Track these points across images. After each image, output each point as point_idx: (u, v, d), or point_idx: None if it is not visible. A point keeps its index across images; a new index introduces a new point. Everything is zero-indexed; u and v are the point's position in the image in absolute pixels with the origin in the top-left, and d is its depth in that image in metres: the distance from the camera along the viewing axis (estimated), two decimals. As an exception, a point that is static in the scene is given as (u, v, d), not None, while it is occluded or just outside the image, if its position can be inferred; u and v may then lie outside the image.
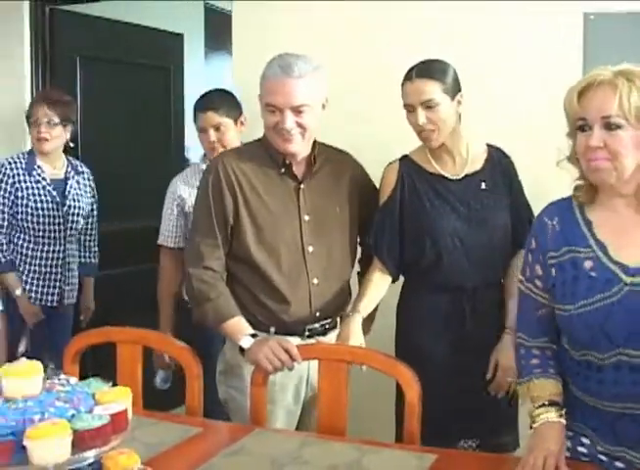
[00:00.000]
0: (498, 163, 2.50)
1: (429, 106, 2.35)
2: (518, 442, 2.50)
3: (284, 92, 2.29)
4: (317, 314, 2.40)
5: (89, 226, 3.72)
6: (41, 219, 3.46)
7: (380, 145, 2.90)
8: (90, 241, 3.76)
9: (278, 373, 2.26)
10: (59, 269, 3.53)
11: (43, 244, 3.50)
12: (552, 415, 1.79)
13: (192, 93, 4.85)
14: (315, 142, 2.45)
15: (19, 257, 3.50)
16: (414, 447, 2.01)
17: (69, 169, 3.60)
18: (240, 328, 2.29)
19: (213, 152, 3.06)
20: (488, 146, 2.53)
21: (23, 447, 1.17)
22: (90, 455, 1.22)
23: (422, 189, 2.48)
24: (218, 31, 5.11)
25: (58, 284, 3.54)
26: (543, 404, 1.81)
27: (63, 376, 1.41)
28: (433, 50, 2.70)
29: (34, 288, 3.49)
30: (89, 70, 4.14)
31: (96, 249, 3.78)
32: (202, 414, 2.27)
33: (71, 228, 3.55)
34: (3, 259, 3.44)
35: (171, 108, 4.63)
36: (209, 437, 2.11)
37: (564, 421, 1.80)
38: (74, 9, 4.09)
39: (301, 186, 2.41)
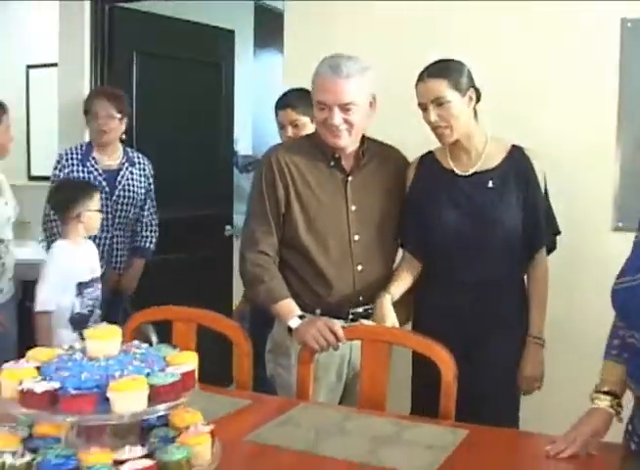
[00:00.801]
0: (515, 163, 2.54)
1: (439, 103, 2.44)
2: None
3: (332, 90, 2.45)
4: (361, 299, 2.55)
5: (144, 213, 3.85)
6: None
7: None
8: (143, 227, 3.88)
9: (322, 353, 2.41)
10: (104, 255, 3.66)
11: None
12: (603, 403, 1.89)
13: (241, 88, 5.07)
14: (364, 137, 2.59)
15: None
16: (448, 423, 2.15)
17: (124, 161, 3.77)
18: (289, 309, 2.45)
19: None
20: (513, 146, 2.57)
21: (106, 399, 1.35)
22: (161, 408, 1.38)
23: (433, 184, 2.58)
24: (268, 29, 5.28)
25: (115, 268, 3.73)
26: (600, 391, 1.91)
27: (136, 342, 1.58)
28: (471, 52, 2.82)
29: None
30: (145, 65, 4.32)
31: (148, 234, 3.90)
32: (251, 389, 2.44)
33: (120, 217, 3.72)
34: None
35: (222, 102, 4.79)
36: (258, 408, 2.27)
37: (613, 411, 1.89)
38: (132, 6, 4.27)
39: (349, 179, 2.56)
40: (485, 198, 2.52)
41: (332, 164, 2.56)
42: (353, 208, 2.55)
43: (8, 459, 1.36)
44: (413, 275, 2.64)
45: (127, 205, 3.74)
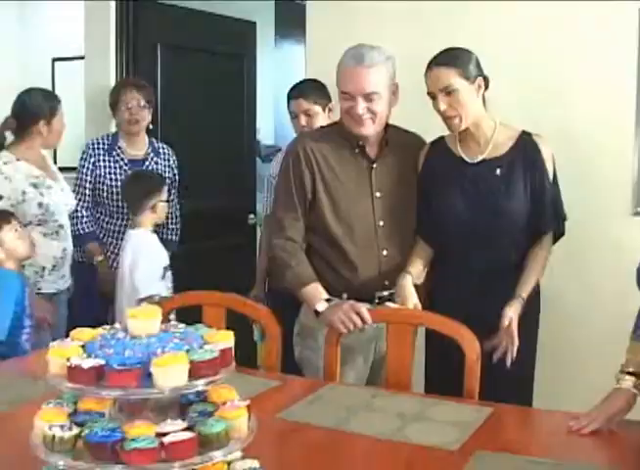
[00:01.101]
0: (523, 150, 2.56)
1: (448, 92, 2.48)
2: None
3: (356, 80, 2.51)
4: (386, 283, 2.62)
5: (173, 204, 3.87)
6: (116, 196, 3.71)
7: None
8: (172, 219, 3.90)
9: (350, 336, 2.48)
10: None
11: (118, 218, 3.75)
12: (626, 383, 1.94)
13: (262, 79, 5.13)
14: (387, 125, 2.65)
15: (101, 230, 3.78)
16: (471, 401, 2.21)
17: (150, 151, 3.84)
18: (316, 293, 2.52)
19: None
20: (522, 133, 2.59)
21: (149, 375, 1.42)
22: (201, 383, 1.45)
23: (440, 170, 2.63)
24: (288, 20, 5.34)
25: None
26: (625, 371, 1.95)
27: (174, 322, 1.66)
28: (488, 40, 2.89)
29: (112, 256, 3.74)
30: (168, 56, 4.39)
31: (175, 226, 3.95)
32: (279, 371, 2.51)
33: None
34: (85, 230, 3.73)
35: (244, 92, 4.86)
36: (288, 389, 2.34)
37: (636, 391, 1.93)
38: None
39: (374, 166, 2.62)
40: (493, 185, 2.55)
41: (356, 151, 2.62)
42: (378, 194, 2.61)
43: (57, 432, 1.43)
44: (427, 259, 2.67)
45: None
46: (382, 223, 2.61)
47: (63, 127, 3.46)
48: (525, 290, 2.50)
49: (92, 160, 3.76)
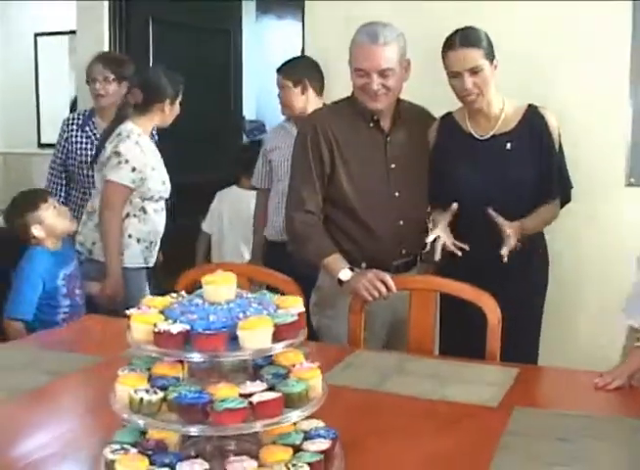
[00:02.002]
0: (530, 123, 2.67)
1: (474, 71, 2.57)
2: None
3: (371, 58, 2.59)
4: (403, 252, 2.72)
5: None
6: (86, 171, 3.72)
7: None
8: None
9: (370, 303, 2.57)
10: None
11: (86, 193, 3.74)
12: None
13: (246, 54, 5.16)
14: (399, 99, 2.73)
15: (74, 206, 3.78)
16: (495, 363, 2.33)
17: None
18: (339, 263, 2.60)
19: (285, 109, 3.58)
20: (528, 106, 2.70)
21: (234, 338, 1.49)
22: (281, 346, 1.53)
23: (452, 147, 2.73)
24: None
25: None
26: None
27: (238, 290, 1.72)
28: (486, 13, 2.97)
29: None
30: (160, 32, 4.42)
31: None
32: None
33: None
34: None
35: (231, 68, 4.90)
36: (317, 357, 2.40)
37: None
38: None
39: (388, 138, 2.71)
40: (504, 160, 2.66)
41: (371, 125, 2.70)
42: (393, 165, 2.70)
43: (145, 396, 1.49)
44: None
45: None
46: (397, 194, 2.70)
47: (178, 110, 3.52)
48: (524, 224, 2.58)
49: (65, 136, 3.78)
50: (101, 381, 2.10)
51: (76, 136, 3.77)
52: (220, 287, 1.57)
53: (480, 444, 1.75)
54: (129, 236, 3.36)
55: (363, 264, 2.67)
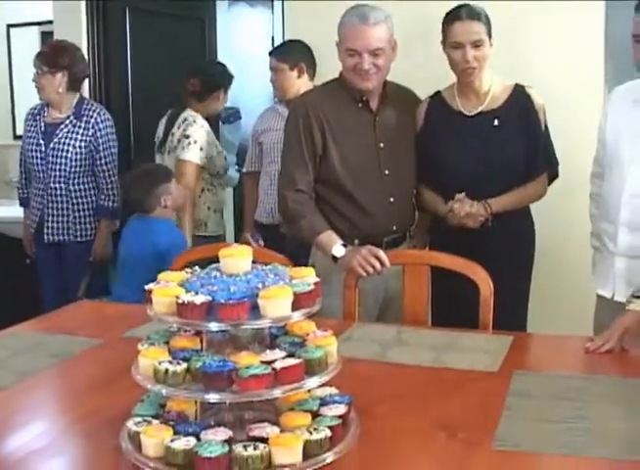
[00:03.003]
0: (517, 101, 2.77)
1: (477, 45, 2.67)
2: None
3: (362, 37, 2.66)
4: (393, 228, 2.80)
5: (102, 169, 3.80)
6: (30, 160, 3.79)
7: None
8: (104, 184, 3.82)
9: (364, 278, 2.63)
10: (43, 207, 3.78)
11: (36, 182, 3.81)
12: (634, 306, 2.14)
13: (220, 42, 5.18)
14: (385, 80, 2.79)
15: (31, 195, 3.90)
16: (488, 332, 2.42)
17: (71, 114, 3.75)
18: (332, 239, 2.67)
19: (279, 92, 3.68)
20: (515, 85, 2.80)
21: (255, 307, 1.54)
22: (298, 314, 1.58)
23: (441, 124, 2.82)
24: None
25: (45, 221, 3.79)
26: (635, 296, 2.16)
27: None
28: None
29: (38, 220, 3.84)
30: (137, 21, 4.43)
31: (108, 192, 3.82)
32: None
33: (55, 169, 3.73)
34: (22, 196, 3.99)
35: (206, 55, 4.91)
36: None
37: None
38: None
39: (376, 118, 2.77)
40: (492, 136, 2.75)
41: (360, 105, 2.76)
42: (381, 144, 2.77)
43: (170, 367, 1.53)
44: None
45: (61, 157, 3.73)
46: (387, 172, 2.77)
47: (228, 99, 4.02)
48: (495, 202, 2.71)
49: (24, 126, 3.90)
50: (106, 361, 2.17)
51: (28, 127, 3.84)
52: (238, 259, 1.61)
53: (485, 405, 1.82)
54: (208, 208, 3.85)
55: (356, 241, 2.73)
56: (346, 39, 2.69)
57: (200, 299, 1.52)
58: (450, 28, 2.70)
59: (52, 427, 1.78)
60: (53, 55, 3.72)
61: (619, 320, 2.19)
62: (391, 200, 2.77)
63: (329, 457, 1.50)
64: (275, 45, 4.09)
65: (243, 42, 5.14)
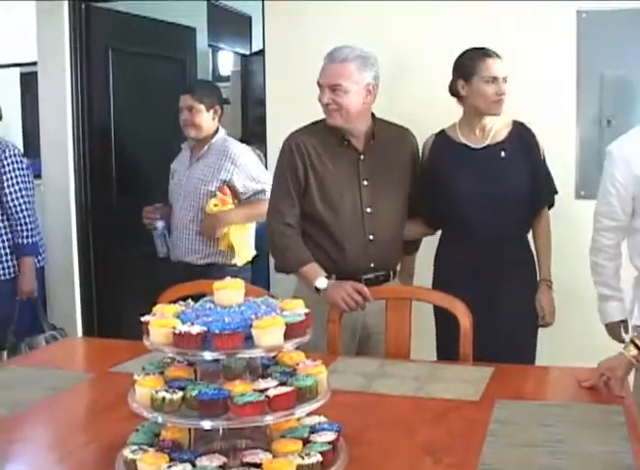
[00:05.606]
0: (520, 135, 2.92)
1: (505, 79, 2.84)
2: None
3: (325, 73, 2.79)
4: (372, 266, 2.85)
5: (12, 205, 3.75)
6: None
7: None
8: (18, 220, 3.78)
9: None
10: None
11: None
12: (628, 353, 2.16)
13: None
14: (375, 119, 2.89)
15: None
16: (470, 363, 2.48)
17: None
18: (315, 271, 2.75)
19: (186, 129, 3.63)
20: (514, 122, 2.95)
21: (249, 337, 1.59)
22: (290, 343, 1.64)
23: (448, 158, 2.93)
24: (221, 26, 5.51)
25: None
26: (633, 342, 2.18)
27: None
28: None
29: None
30: (119, 60, 4.51)
31: (29, 227, 3.79)
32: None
33: None
34: None
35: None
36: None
37: (635, 362, 2.13)
38: (106, 6, 4.46)
39: (361, 157, 2.85)
40: (500, 167, 2.89)
41: (345, 144, 2.84)
42: (365, 182, 2.84)
43: (166, 395, 1.58)
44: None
45: None
46: (369, 210, 2.84)
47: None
48: (546, 273, 2.93)
49: None
50: (99, 393, 2.20)
51: None
52: (231, 291, 1.68)
53: (469, 432, 1.89)
54: None
55: (333, 276, 2.79)
56: (318, 75, 2.80)
57: (195, 329, 1.58)
58: (483, 64, 2.82)
59: (47, 457, 1.81)
60: None
61: (609, 360, 2.19)
62: (371, 237, 2.83)
63: (320, 482, 1.55)
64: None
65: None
